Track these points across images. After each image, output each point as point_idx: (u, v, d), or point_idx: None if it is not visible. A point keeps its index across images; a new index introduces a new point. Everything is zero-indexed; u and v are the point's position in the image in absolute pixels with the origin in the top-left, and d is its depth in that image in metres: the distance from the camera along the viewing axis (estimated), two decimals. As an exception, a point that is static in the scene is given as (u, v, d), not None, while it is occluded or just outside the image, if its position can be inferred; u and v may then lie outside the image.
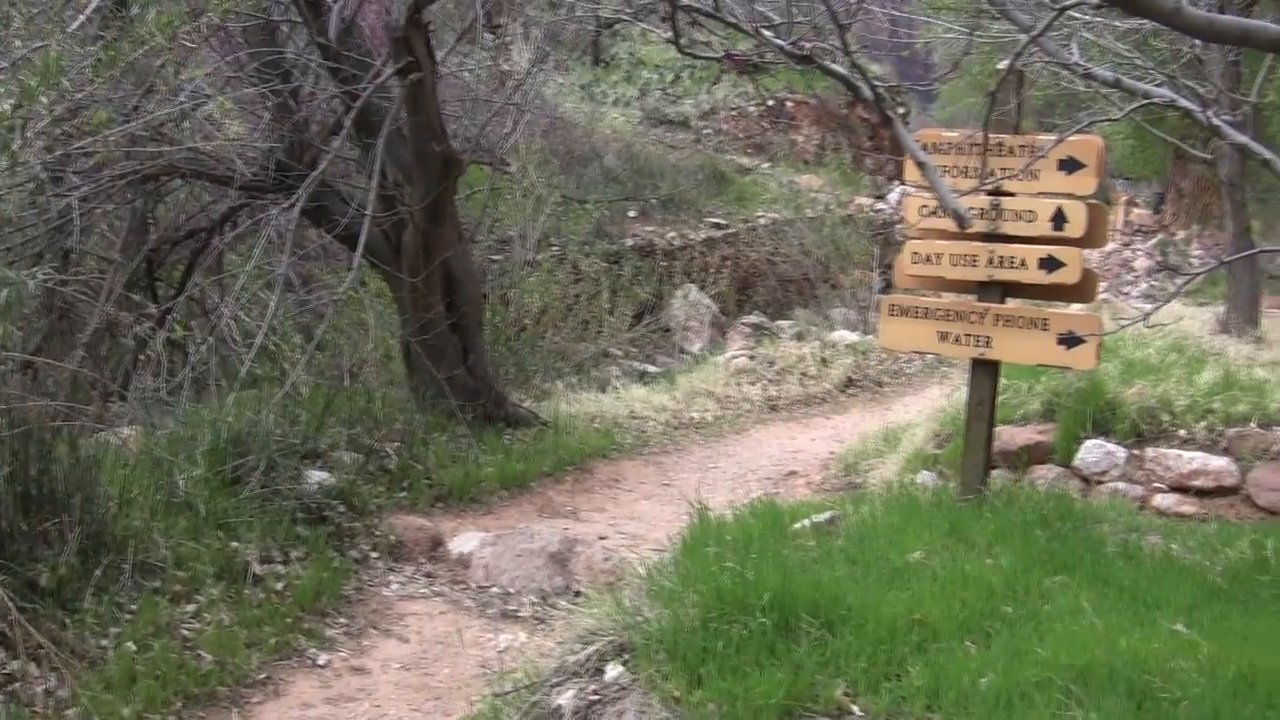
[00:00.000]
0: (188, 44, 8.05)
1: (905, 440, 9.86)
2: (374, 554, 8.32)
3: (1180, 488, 8.49)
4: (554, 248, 16.32)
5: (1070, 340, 6.71)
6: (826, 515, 6.38)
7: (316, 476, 8.49)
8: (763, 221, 21.79)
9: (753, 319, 17.27)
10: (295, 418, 8.79)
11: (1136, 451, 8.70)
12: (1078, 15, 7.30)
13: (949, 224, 6.87)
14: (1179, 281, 11.98)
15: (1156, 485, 8.55)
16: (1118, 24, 11.51)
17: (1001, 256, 6.81)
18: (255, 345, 8.66)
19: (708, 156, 23.81)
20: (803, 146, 27.72)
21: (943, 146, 6.98)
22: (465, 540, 8.60)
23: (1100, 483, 8.62)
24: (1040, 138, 6.88)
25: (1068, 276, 6.70)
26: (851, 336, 16.03)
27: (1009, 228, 6.80)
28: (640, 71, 28.71)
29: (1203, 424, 8.63)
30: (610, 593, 5.73)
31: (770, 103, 28.15)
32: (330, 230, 10.14)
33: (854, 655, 4.68)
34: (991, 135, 6.82)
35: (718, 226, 21.30)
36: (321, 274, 13.10)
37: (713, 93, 28.41)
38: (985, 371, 7.02)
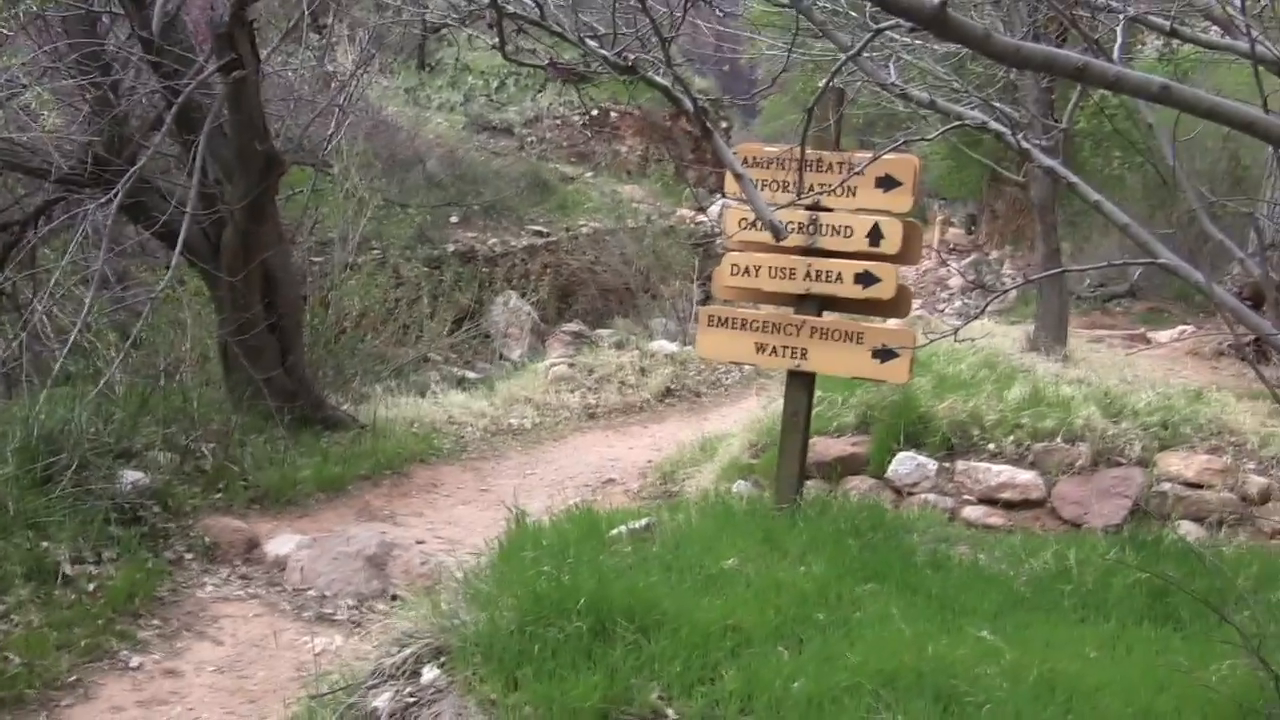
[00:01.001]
0: (4, 31, 7.86)
1: (722, 450, 10.03)
2: (189, 555, 8.23)
3: (989, 500, 8.78)
4: (375, 251, 16.23)
5: (884, 354, 6.92)
6: (643, 522, 6.48)
7: (131, 476, 8.35)
8: (585, 230, 21.94)
9: (573, 327, 17.41)
10: (110, 416, 8.64)
11: (947, 464, 8.97)
12: (896, 36, 7.51)
13: (768, 237, 7.05)
14: (989, 298, 12.31)
15: (966, 497, 8.83)
16: (935, 48, 11.88)
17: (819, 270, 6.99)
18: (69, 342, 8.46)
19: (531, 164, 23.88)
20: (626, 157, 27.94)
21: (762, 161, 7.14)
22: (282, 543, 8.54)
23: (912, 494, 8.87)
24: (858, 155, 7.07)
25: (883, 291, 6.91)
26: (671, 347, 16.20)
27: (826, 243, 6.98)
28: (465, 77, 28.66)
29: (1011, 438, 8.94)
30: (427, 596, 5.77)
31: (594, 112, 28.32)
32: (149, 227, 9.95)
33: (669, 659, 4.78)
34: (811, 151, 7.02)
35: (540, 234, 21.39)
36: (138, 271, 12.87)
37: (537, 100, 28.46)
38: (801, 383, 7.20)
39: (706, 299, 20.71)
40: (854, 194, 6.92)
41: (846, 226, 6.95)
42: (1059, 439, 8.96)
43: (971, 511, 8.81)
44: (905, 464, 9.03)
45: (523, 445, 12.36)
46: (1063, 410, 9.18)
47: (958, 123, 4.69)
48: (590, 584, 5.10)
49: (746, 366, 16.11)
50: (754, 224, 7.10)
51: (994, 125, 4.14)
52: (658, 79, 3.36)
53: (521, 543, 6.15)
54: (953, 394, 9.40)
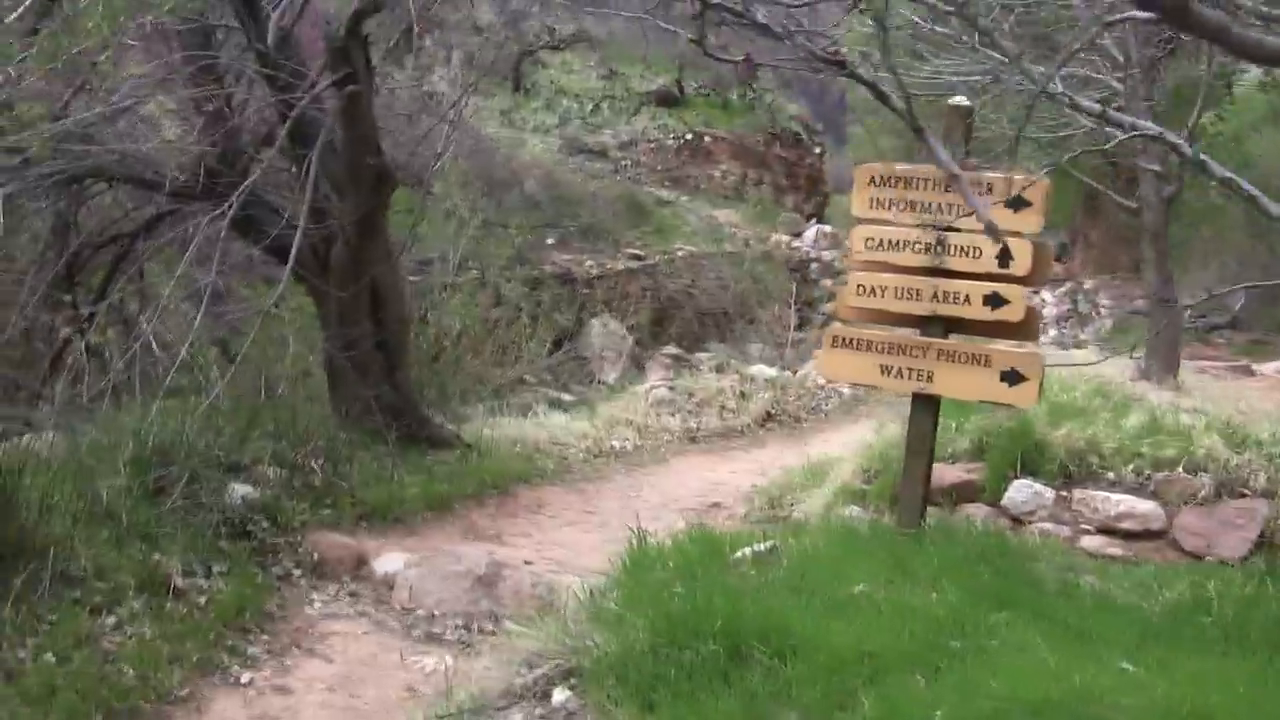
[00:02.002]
0: (130, 41, 7.87)
1: (832, 475, 9.83)
2: (297, 571, 8.15)
3: (1107, 529, 8.51)
4: (473, 271, 16.24)
5: (1012, 377, 6.72)
6: (766, 545, 6.34)
7: (240, 490, 8.32)
8: (680, 254, 21.88)
9: (672, 350, 17.30)
10: (220, 430, 8.60)
11: (1064, 493, 8.71)
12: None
13: (894, 256, 6.91)
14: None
15: (1084, 526, 8.57)
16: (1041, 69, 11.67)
17: (946, 292, 6.80)
18: (179, 358, 8.46)
19: (627, 187, 23.88)
20: (719, 181, 27.86)
21: (890, 179, 6.97)
22: (389, 560, 8.45)
23: (1028, 522, 8.63)
24: (988, 174, 6.88)
25: (1011, 314, 6.71)
26: (770, 371, 16.04)
27: (954, 263, 6.80)
28: (561, 99, 28.75)
29: (1130, 467, 8.67)
30: (551, 616, 5.64)
31: (689, 136, 28.29)
32: (258, 241, 9.94)
33: (806, 685, 4.64)
34: (937, 170, 6.84)
35: (636, 257, 21.35)
36: (239, 286, 12.89)
37: (632, 123, 28.50)
38: (925, 406, 7.01)
39: (802, 324, 20.58)
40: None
41: (975, 247, 6.76)
42: (1180, 469, 8.66)
43: (1090, 541, 8.54)
44: (1021, 492, 8.79)
45: (625, 467, 12.23)
46: (1183, 440, 8.89)
47: (1132, 133, 4.49)
48: (724, 606, 4.96)
49: (847, 392, 15.94)
50: (881, 243, 6.93)
51: (1170, 137, 3.93)
52: (863, 75, 3.20)
53: (644, 563, 6.02)
54: (1068, 422, 9.14)
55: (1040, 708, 4.44)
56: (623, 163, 26.92)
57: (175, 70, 9.24)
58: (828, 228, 27.00)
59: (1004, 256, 6.69)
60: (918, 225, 6.81)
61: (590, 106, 28.90)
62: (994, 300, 6.72)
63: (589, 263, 20.59)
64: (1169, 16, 2.61)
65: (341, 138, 9.55)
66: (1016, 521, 8.73)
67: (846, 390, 16.05)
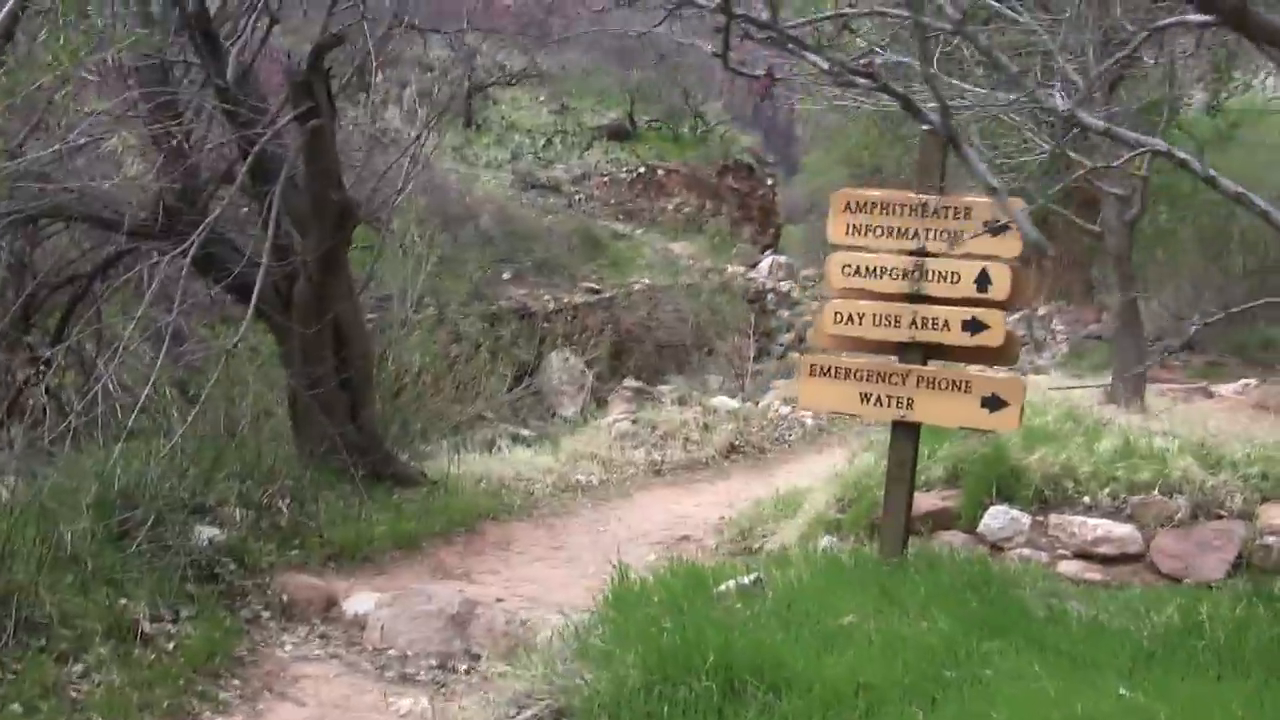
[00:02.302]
0: (88, 76, 7.73)
1: (806, 505, 9.75)
2: (266, 613, 7.99)
3: (1084, 554, 8.46)
4: (429, 308, 16.11)
5: (994, 403, 6.70)
6: (751, 577, 6.25)
7: (207, 533, 8.16)
8: (637, 287, 21.83)
9: (634, 383, 17.19)
10: (183, 471, 8.44)
11: (1040, 518, 8.66)
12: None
13: (871, 283, 6.86)
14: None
15: (1061, 551, 8.52)
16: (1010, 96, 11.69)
17: (925, 318, 6.77)
18: (141, 399, 8.30)
19: (581, 221, 23.84)
20: (673, 214, 27.86)
21: (865, 205, 6.93)
22: (360, 601, 8.30)
23: (1005, 549, 8.57)
24: (968, 198, 6.86)
25: (991, 339, 6.69)
26: (732, 403, 15.96)
27: (932, 289, 6.77)
28: (512, 135, 28.71)
29: (1106, 491, 8.63)
30: (535, 654, 5.53)
31: (641, 170, 28.29)
32: (218, 280, 9.80)
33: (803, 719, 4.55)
34: (916, 195, 6.82)
35: (593, 291, 21.30)
36: (197, 325, 12.71)
37: (584, 158, 28.49)
38: (906, 434, 6.96)
39: (759, 355, 20.54)
40: (962, 239, 6.70)
41: (953, 272, 6.74)
42: (1156, 491, 8.64)
43: (1067, 566, 8.49)
44: (998, 518, 8.73)
45: (591, 502, 12.11)
46: (1158, 462, 8.86)
47: (1140, 150, 4.43)
48: (717, 640, 4.86)
49: (810, 422, 15.87)
50: (858, 270, 6.88)
51: (1179, 154, 3.87)
52: (897, 89, 3.13)
53: (627, 598, 5.92)
54: (1042, 446, 9.11)
55: (1045, 737, 4.38)
56: (576, 197, 26.88)
57: (133, 106, 9.08)
58: (782, 258, 27.03)
59: (983, 281, 6.67)
60: (896, 251, 6.78)
61: (542, 141, 28.87)
62: (973, 325, 6.69)
63: (545, 297, 20.52)
64: (1228, 19, 2.56)
65: (304, 173, 9.44)
66: (994, 548, 8.66)
67: (809, 420, 15.99)
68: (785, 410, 16.23)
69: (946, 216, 6.75)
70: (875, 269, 6.87)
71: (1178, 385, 18.85)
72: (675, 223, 27.43)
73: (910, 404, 6.82)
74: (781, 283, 25.21)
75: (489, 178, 25.46)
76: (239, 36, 9.49)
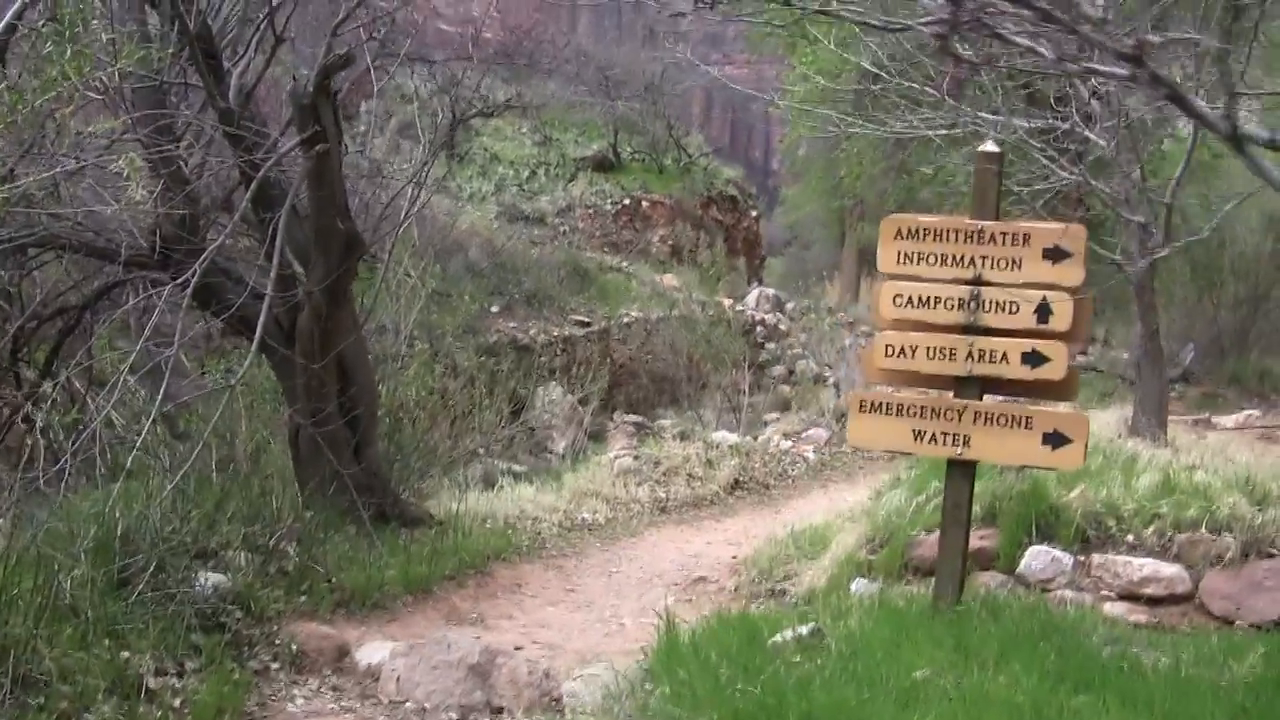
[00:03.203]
0: (91, 94, 7.30)
1: (834, 544, 9.35)
2: (275, 664, 7.51)
3: (1130, 595, 8.06)
4: (419, 343, 15.71)
5: (1056, 439, 6.33)
6: (808, 628, 5.84)
7: (211, 579, 7.67)
8: (627, 320, 21.49)
9: (633, 418, 16.81)
10: (185, 514, 7.97)
11: (1083, 558, 8.27)
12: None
13: (925, 314, 6.49)
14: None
15: (1105, 593, 8.12)
16: (1027, 124, 11.39)
17: (982, 350, 6.41)
18: (143, 434, 7.86)
19: (569, 253, 23.52)
20: (659, 246, 27.60)
21: (917, 232, 6.56)
22: (373, 650, 7.83)
23: (1047, 590, 8.19)
24: (1023, 224, 6.50)
25: (1053, 372, 6.33)
26: (732, 438, 15.62)
27: (990, 320, 6.42)
28: (495, 166, 28.42)
29: (1151, 529, 8.26)
30: (600, 716, 5.09)
31: (626, 201, 28.04)
32: (218, 314, 9.35)
33: (898, 789, 4.14)
34: (969, 221, 6.47)
35: (582, 323, 20.95)
36: (187, 359, 12.25)
37: (568, 190, 28.23)
38: (963, 473, 6.59)
39: (751, 388, 20.15)
40: (1019, 267, 6.35)
41: (1012, 302, 6.38)
42: (1203, 529, 8.27)
43: (1112, 608, 8.08)
44: (1039, 558, 8.33)
45: (599, 541, 11.72)
46: (1203, 499, 8.50)
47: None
48: (798, 703, 4.44)
49: (812, 457, 15.54)
50: (910, 301, 6.50)
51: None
52: (1168, 78, 2.72)
53: (676, 651, 5.50)
54: (1079, 483, 8.73)
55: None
56: (561, 229, 26.60)
57: (130, 129, 8.61)
58: (770, 290, 26.75)
59: (1043, 312, 6.30)
60: (951, 280, 6.41)
61: (526, 173, 28.57)
62: (1034, 358, 6.33)
63: (533, 330, 20.16)
64: None
65: (309, 200, 9.01)
66: (1032, 589, 8.28)
67: (811, 455, 15.68)
68: (786, 445, 15.95)
69: (1004, 243, 6.39)
70: (929, 299, 6.51)
71: (1176, 417, 18.58)
72: (661, 254, 27.14)
73: (967, 441, 6.45)
74: (769, 315, 24.90)
75: (473, 210, 25.11)
76: (241, 57, 9.08)
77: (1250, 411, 19.67)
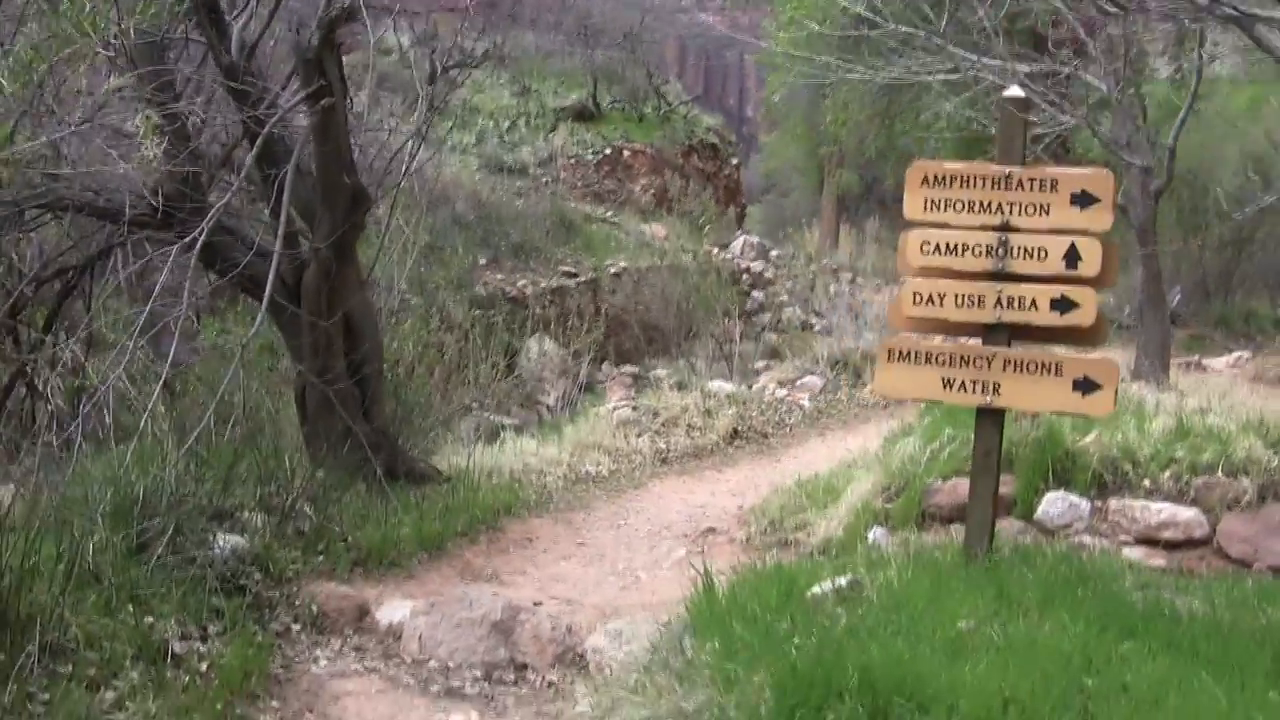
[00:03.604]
0: (103, 52, 7.16)
1: (848, 493, 9.32)
2: (296, 626, 7.43)
3: (1148, 540, 8.07)
4: (411, 298, 15.63)
5: (1086, 385, 6.29)
6: (846, 579, 5.81)
7: (229, 541, 7.59)
8: (614, 270, 21.42)
9: (630, 369, 16.74)
10: (200, 476, 7.88)
11: (1099, 503, 8.28)
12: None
13: (953, 261, 6.43)
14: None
15: (1123, 538, 8.13)
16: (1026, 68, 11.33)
17: (1010, 297, 6.35)
18: (154, 396, 7.76)
19: (555, 204, 23.36)
20: (641, 195, 27.49)
21: (944, 179, 6.49)
22: (394, 609, 7.77)
23: (1065, 536, 8.19)
24: (1051, 169, 6.43)
25: (1083, 318, 6.27)
26: (729, 387, 15.59)
27: (1018, 266, 6.35)
28: (475, 118, 28.18)
29: (1168, 473, 8.26)
30: (643, 672, 5.05)
31: (608, 151, 27.90)
32: (223, 273, 9.24)
33: (964, 743, 4.12)
34: (997, 167, 6.42)
35: (569, 274, 20.87)
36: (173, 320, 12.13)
37: (549, 140, 28.06)
38: (992, 421, 6.54)
39: (740, 336, 20.11)
40: (1047, 212, 6.29)
41: (1040, 248, 6.31)
42: (1220, 473, 8.27)
43: (1130, 552, 8.07)
44: (1056, 504, 8.33)
45: (605, 494, 11.67)
46: (1218, 442, 8.49)
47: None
48: (858, 657, 4.40)
49: (808, 405, 15.52)
50: (938, 248, 6.44)
51: None
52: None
53: (714, 606, 5.46)
54: (1093, 428, 8.72)
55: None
56: (543, 180, 26.43)
57: (135, 85, 8.46)
58: (754, 238, 26.67)
59: (1072, 257, 6.25)
60: (979, 226, 6.35)
61: (506, 124, 28.36)
62: (1063, 304, 6.27)
63: (522, 281, 20.07)
64: None
65: (315, 156, 8.88)
66: (1052, 535, 8.28)
67: (807, 403, 15.65)
68: (782, 393, 15.94)
69: (1032, 189, 6.34)
70: (956, 246, 6.44)
71: (1171, 359, 18.67)
72: (645, 204, 27.03)
73: (997, 389, 6.40)
74: (754, 263, 24.83)
75: (454, 162, 24.91)
76: (242, 10, 8.93)
77: (1240, 353, 19.76)
